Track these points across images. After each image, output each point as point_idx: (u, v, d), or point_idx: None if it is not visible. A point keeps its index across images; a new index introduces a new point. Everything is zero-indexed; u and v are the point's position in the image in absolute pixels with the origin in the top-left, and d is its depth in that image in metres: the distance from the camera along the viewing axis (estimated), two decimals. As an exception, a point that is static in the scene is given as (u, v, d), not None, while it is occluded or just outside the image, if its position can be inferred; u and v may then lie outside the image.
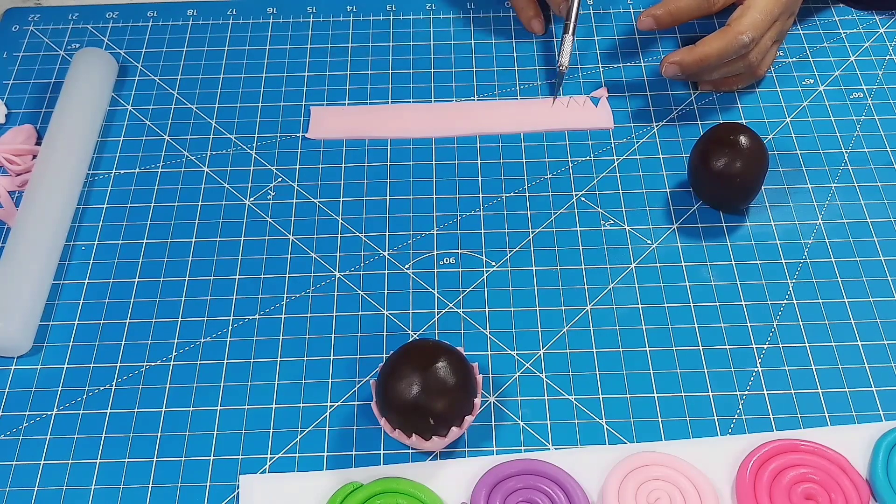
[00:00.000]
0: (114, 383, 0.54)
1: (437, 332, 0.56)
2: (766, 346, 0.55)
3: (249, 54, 0.72)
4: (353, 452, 0.51)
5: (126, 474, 0.50)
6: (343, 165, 0.65)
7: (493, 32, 0.73)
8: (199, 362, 0.55)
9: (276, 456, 0.51)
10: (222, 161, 0.65)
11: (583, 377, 0.54)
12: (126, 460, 0.51)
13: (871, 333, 0.55)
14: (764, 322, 0.56)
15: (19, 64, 0.72)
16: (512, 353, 0.55)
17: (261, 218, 0.62)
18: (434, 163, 0.65)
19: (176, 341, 0.56)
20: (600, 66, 0.71)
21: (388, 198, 0.63)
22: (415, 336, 0.56)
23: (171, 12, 0.75)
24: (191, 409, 0.53)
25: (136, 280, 0.59)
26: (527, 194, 0.63)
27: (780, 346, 0.55)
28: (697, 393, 0.53)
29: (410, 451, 0.51)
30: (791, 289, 0.57)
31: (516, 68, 0.70)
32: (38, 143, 0.66)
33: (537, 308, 0.57)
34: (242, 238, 0.61)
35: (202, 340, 0.56)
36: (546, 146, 0.65)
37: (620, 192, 0.63)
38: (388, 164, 0.65)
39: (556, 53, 0.69)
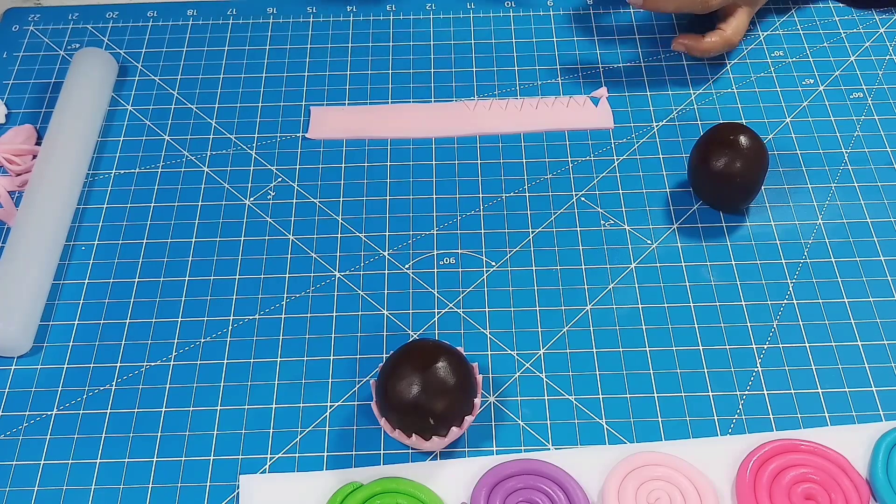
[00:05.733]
0: (114, 383, 0.54)
1: (437, 332, 0.56)
2: (766, 346, 0.55)
3: (249, 54, 0.72)
4: (353, 452, 0.51)
5: (126, 474, 0.50)
6: (343, 165, 0.65)
7: (493, 32, 0.73)
8: (199, 362, 0.55)
9: (276, 456, 0.51)
10: (222, 161, 0.65)
11: (583, 377, 0.54)
12: (126, 460, 0.51)
13: (871, 333, 0.55)
14: (764, 322, 0.56)
15: (19, 64, 0.72)
16: (512, 353, 0.55)
17: (261, 218, 0.62)
18: (434, 163, 0.65)
19: (176, 341, 0.56)
20: (600, 66, 0.71)
21: (388, 198, 0.63)
22: (415, 336, 0.56)
23: (171, 12, 0.75)
24: (191, 409, 0.53)
25: (136, 280, 0.59)
26: (527, 194, 0.63)
27: (780, 346, 0.55)
28: (697, 393, 0.53)
29: (410, 451, 0.51)
30: (791, 289, 0.57)
31: (516, 68, 0.70)
32: (38, 143, 0.66)
33: (537, 308, 0.57)
34: (242, 238, 0.61)
35: (202, 340, 0.56)
36: (546, 146, 0.65)
37: (620, 192, 0.63)
38: (388, 164, 0.65)
39: None
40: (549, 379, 0.54)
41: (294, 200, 0.63)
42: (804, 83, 0.69)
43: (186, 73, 0.71)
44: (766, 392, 0.53)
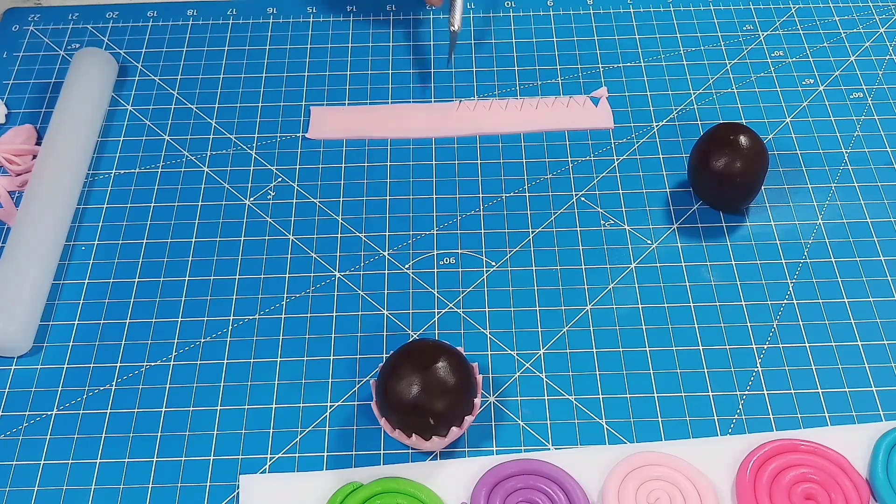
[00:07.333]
0: (114, 383, 0.54)
1: (437, 332, 0.56)
2: (766, 346, 0.55)
3: (249, 54, 0.72)
4: (353, 452, 0.51)
5: (126, 474, 0.50)
6: (343, 165, 0.65)
7: (492, 32, 0.73)
8: (199, 362, 0.55)
9: (276, 456, 0.51)
10: (222, 161, 0.65)
11: (583, 377, 0.54)
12: (126, 460, 0.51)
13: (871, 333, 0.55)
14: (764, 322, 0.56)
15: (19, 64, 0.72)
16: (512, 353, 0.55)
17: (261, 218, 0.62)
18: (434, 163, 0.65)
19: (176, 341, 0.56)
20: (600, 66, 0.71)
21: (388, 198, 0.63)
22: (415, 336, 0.56)
23: (171, 12, 0.75)
24: (191, 409, 0.53)
25: (136, 280, 0.59)
26: (527, 194, 0.63)
27: (780, 346, 0.55)
28: (697, 393, 0.53)
29: (410, 451, 0.51)
30: (791, 289, 0.57)
31: (516, 68, 0.70)
32: (38, 143, 0.66)
33: (537, 308, 0.57)
34: (242, 238, 0.61)
35: (202, 340, 0.56)
36: (546, 146, 0.65)
37: (620, 192, 0.63)
38: (388, 164, 0.65)
39: (449, 14, 0.71)
40: (549, 379, 0.54)
41: (294, 200, 0.63)
42: (804, 83, 0.69)
43: (186, 73, 0.71)
44: (766, 392, 0.53)
